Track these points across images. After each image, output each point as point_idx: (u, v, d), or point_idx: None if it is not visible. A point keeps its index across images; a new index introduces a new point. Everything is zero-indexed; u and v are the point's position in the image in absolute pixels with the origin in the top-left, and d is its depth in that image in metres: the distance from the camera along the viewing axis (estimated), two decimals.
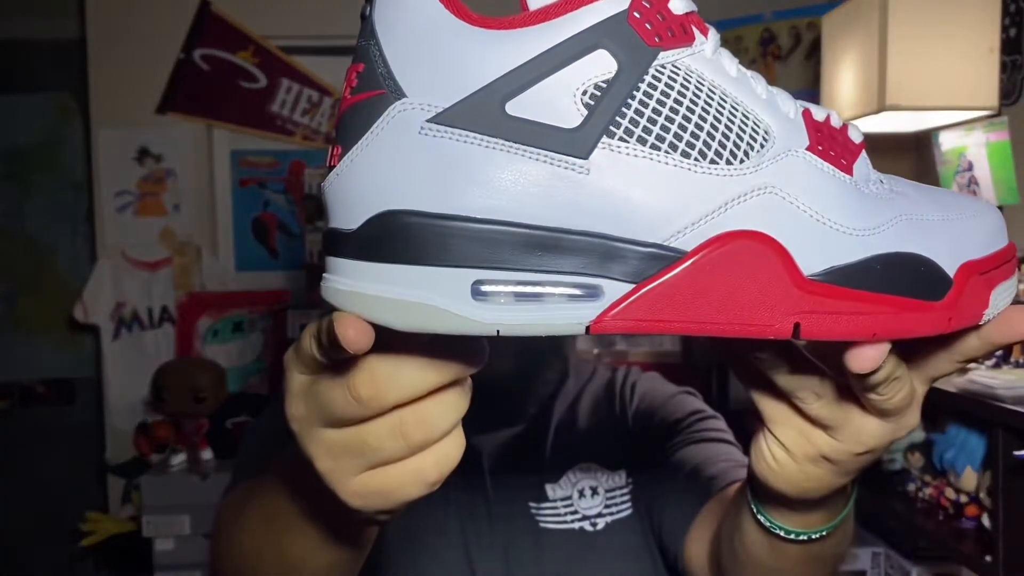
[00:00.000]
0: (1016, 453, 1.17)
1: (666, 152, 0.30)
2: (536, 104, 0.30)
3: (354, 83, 0.31)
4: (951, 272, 0.33)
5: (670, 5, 0.32)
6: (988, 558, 1.23)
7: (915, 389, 0.38)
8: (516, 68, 0.29)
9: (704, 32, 0.33)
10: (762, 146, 0.32)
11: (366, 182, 0.30)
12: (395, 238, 0.30)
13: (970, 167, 1.69)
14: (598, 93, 0.30)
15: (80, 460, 2.86)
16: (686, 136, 0.31)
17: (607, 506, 0.76)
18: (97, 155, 2.63)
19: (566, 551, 0.75)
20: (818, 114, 0.34)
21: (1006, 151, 1.60)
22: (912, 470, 1.50)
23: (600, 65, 0.30)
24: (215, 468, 2.26)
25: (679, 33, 0.32)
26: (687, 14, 0.33)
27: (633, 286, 0.30)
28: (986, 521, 1.29)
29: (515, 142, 0.30)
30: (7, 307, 2.95)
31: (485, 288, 0.30)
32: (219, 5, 2.62)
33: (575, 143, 0.30)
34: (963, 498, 1.36)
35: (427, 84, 0.30)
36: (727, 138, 0.31)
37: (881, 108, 1.59)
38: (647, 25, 0.31)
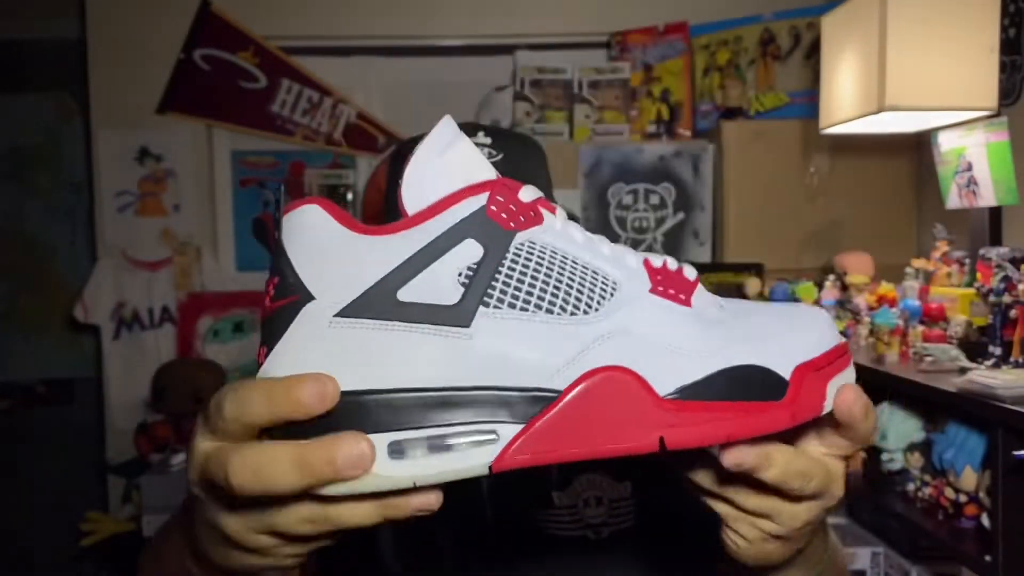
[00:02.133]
0: (1015, 453, 1.17)
1: (532, 311, 0.37)
2: (422, 289, 0.36)
3: (272, 293, 0.38)
4: (787, 375, 0.38)
5: (520, 195, 0.40)
6: (987, 557, 1.23)
7: (828, 467, 0.43)
8: (402, 263, 0.36)
9: (552, 211, 0.40)
10: (612, 295, 0.38)
11: (292, 370, 0.36)
12: (319, 417, 0.35)
13: (969, 167, 1.69)
14: (471, 273, 0.37)
15: (80, 460, 2.86)
16: (547, 296, 0.37)
17: (611, 516, 0.77)
18: (97, 155, 2.63)
19: (569, 558, 0.75)
20: (655, 261, 0.41)
21: (1005, 151, 1.60)
22: (912, 470, 1.50)
23: (470, 251, 0.37)
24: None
25: (529, 216, 0.39)
26: (534, 200, 0.40)
27: (523, 426, 0.36)
28: (985, 521, 1.29)
29: (409, 322, 0.36)
30: (8, 307, 2.95)
31: (402, 446, 0.35)
32: (219, 5, 2.62)
33: (458, 315, 0.36)
34: (962, 498, 1.36)
35: (331, 286, 0.37)
36: (581, 293, 0.38)
37: (880, 108, 1.59)
38: (503, 215, 0.38)
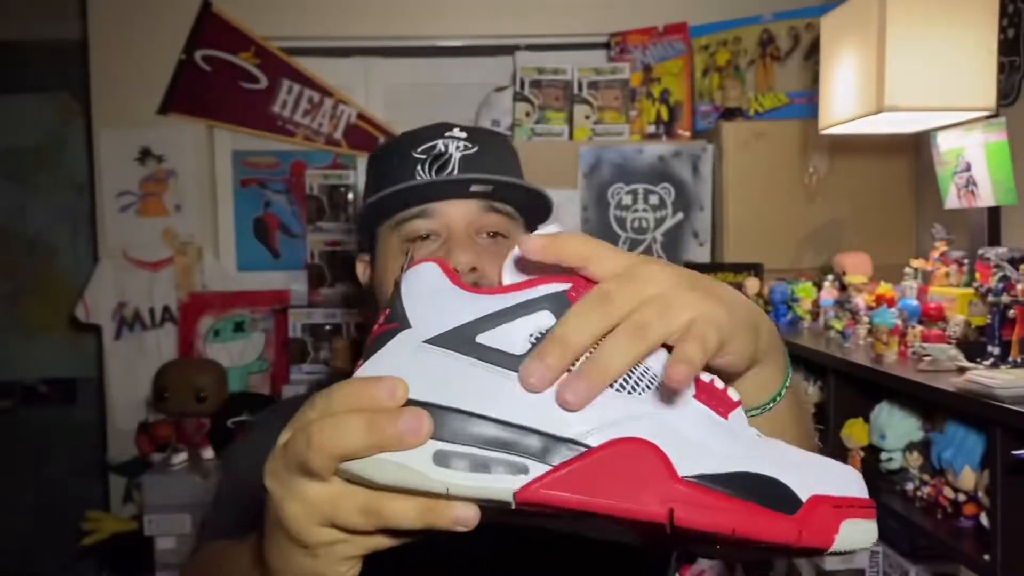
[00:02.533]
0: (1014, 452, 1.17)
1: None
2: (498, 337, 0.43)
3: (381, 321, 0.46)
4: (803, 497, 0.41)
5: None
6: (986, 557, 1.24)
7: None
8: (488, 314, 0.44)
9: None
10: (655, 388, 0.43)
11: (381, 375, 0.43)
12: None
13: (968, 168, 1.70)
14: (540, 335, 0.43)
15: (82, 459, 2.87)
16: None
17: None
18: (99, 155, 2.64)
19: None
20: (704, 377, 0.46)
21: (1004, 152, 1.60)
22: (910, 469, 1.50)
23: (544, 320, 0.44)
24: (216, 467, 2.26)
25: None
26: None
27: (550, 467, 0.40)
28: (984, 520, 1.30)
29: (479, 359, 0.43)
30: (9, 307, 2.96)
31: (450, 457, 0.41)
32: (220, 6, 2.63)
33: (520, 364, 0.42)
34: (961, 497, 1.36)
35: (427, 321, 0.44)
36: (629, 377, 0.43)
37: (880, 109, 1.60)
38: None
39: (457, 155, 0.88)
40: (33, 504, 2.89)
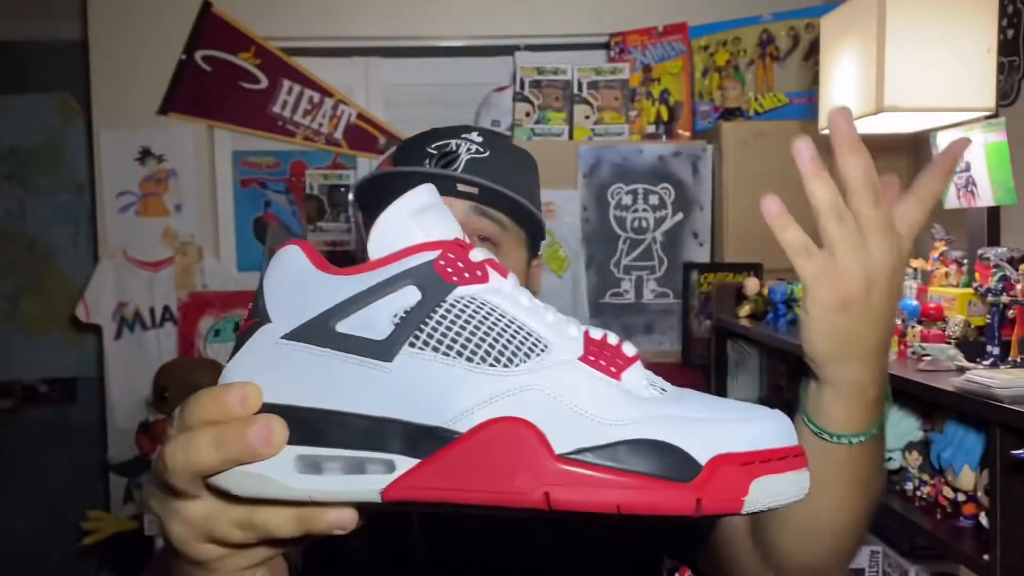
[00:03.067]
0: (1013, 452, 1.18)
1: (453, 357, 0.39)
2: (358, 323, 0.40)
3: (246, 315, 0.43)
4: (701, 460, 0.37)
5: (471, 255, 0.43)
6: (986, 557, 1.24)
7: (883, 220, 0.57)
8: (346, 299, 0.41)
9: (503, 274, 0.43)
10: (538, 355, 0.40)
11: (239, 379, 0.41)
12: None
13: (968, 168, 1.70)
14: (404, 315, 0.40)
15: (82, 459, 2.87)
16: (470, 346, 0.39)
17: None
18: (99, 155, 2.64)
19: (585, 535, 0.82)
20: (595, 334, 0.43)
21: (1003, 152, 1.61)
22: (910, 469, 1.50)
23: (410, 296, 0.41)
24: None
25: (473, 274, 0.42)
26: (485, 260, 0.43)
27: (419, 461, 0.38)
28: (984, 520, 1.30)
29: (339, 350, 0.40)
30: (10, 307, 2.96)
31: (316, 461, 0.39)
32: (220, 6, 2.63)
33: (383, 350, 0.39)
34: (961, 497, 1.37)
35: (286, 313, 0.41)
36: (506, 348, 0.40)
37: (879, 109, 1.60)
38: (448, 269, 0.42)
39: (465, 156, 0.87)
40: (33, 504, 2.89)
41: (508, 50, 2.69)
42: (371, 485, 0.38)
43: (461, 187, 0.84)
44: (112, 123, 2.63)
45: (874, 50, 1.61)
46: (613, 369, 0.40)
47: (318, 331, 0.40)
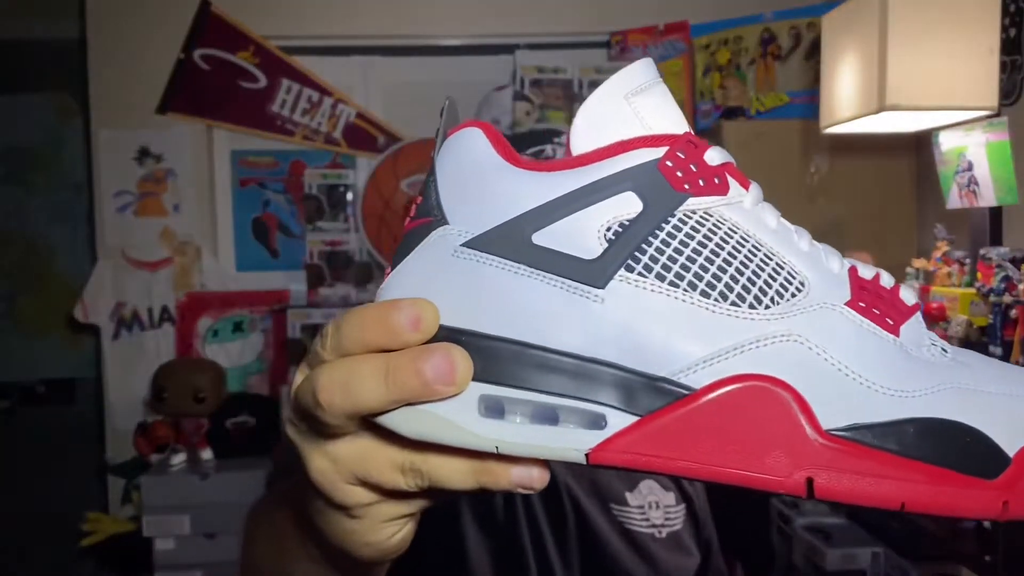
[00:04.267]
0: None
1: (684, 290, 0.31)
2: (561, 236, 0.32)
3: (412, 212, 0.35)
4: (1010, 450, 0.29)
5: (706, 156, 0.33)
6: (987, 558, 1.23)
7: None
8: (546, 203, 0.32)
9: (744, 185, 0.34)
10: (793, 295, 0.31)
11: (409, 292, 0.33)
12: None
13: (970, 167, 1.69)
14: (620, 230, 0.32)
15: (80, 460, 2.86)
16: (707, 276, 0.31)
17: (666, 519, 0.85)
18: (97, 155, 2.63)
19: (641, 551, 0.83)
20: (865, 272, 0.34)
21: (1006, 151, 1.60)
22: None
23: (626, 205, 0.32)
24: (215, 468, 2.26)
25: (710, 183, 0.33)
26: (723, 164, 0.34)
27: (637, 419, 0.30)
28: (985, 521, 1.29)
29: (536, 268, 0.32)
30: (7, 307, 2.95)
31: (503, 405, 0.31)
32: (219, 5, 2.62)
33: (593, 273, 0.31)
34: None
35: (467, 214, 0.33)
36: (752, 283, 0.31)
37: (881, 108, 1.59)
38: (678, 173, 0.32)
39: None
40: (32, 505, 2.88)
41: (508, 49, 2.68)
42: (576, 442, 0.31)
43: None
44: (110, 122, 2.62)
45: (876, 49, 1.60)
46: (890, 320, 0.32)
47: (511, 241, 0.32)
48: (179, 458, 2.29)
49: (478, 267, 0.32)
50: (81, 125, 2.80)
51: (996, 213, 1.72)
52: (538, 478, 0.33)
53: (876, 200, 2.33)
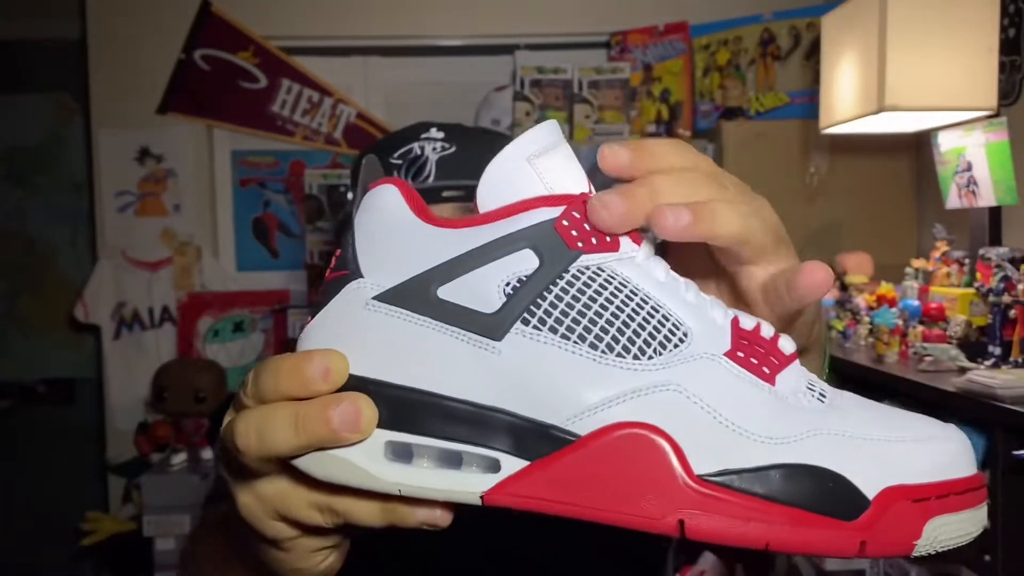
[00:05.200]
0: (1015, 452, 1.17)
1: (574, 342, 0.33)
2: (464, 290, 0.34)
3: (332, 264, 0.38)
4: (870, 493, 0.31)
5: None
6: (987, 558, 1.24)
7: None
8: (451, 259, 0.35)
9: (636, 241, 0.36)
10: (676, 346, 0.33)
11: (323, 342, 0.36)
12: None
13: (969, 167, 1.69)
14: (518, 285, 0.34)
15: (80, 460, 2.86)
16: (595, 329, 0.33)
17: None
18: (98, 155, 2.63)
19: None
20: (746, 322, 0.35)
21: (1005, 151, 1.60)
22: None
23: (524, 262, 0.34)
24: (215, 468, 2.26)
25: (602, 240, 0.35)
26: None
27: (528, 464, 0.33)
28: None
29: (441, 321, 0.34)
30: (8, 307, 2.96)
31: (408, 449, 0.34)
32: (219, 5, 2.62)
33: (492, 326, 0.34)
34: None
35: (380, 268, 0.36)
36: (637, 335, 0.33)
37: (880, 108, 1.59)
38: (573, 232, 0.35)
39: (433, 157, 0.85)
40: (32, 504, 2.88)
41: (508, 49, 2.69)
42: (471, 485, 0.33)
43: (447, 192, 0.82)
44: (110, 123, 2.62)
45: (875, 49, 1.60)
46: (767, 369, 0.34)
47: (417, 295, 0.34)
48: (179, 458, 2.29)
49: (387, 320, 0.35)
50: (81, 125, 2.80)
51: (995, 213, 1.72)
52: (441, 517, 0.35)
53: (876, 200, 2.33)
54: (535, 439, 0.33)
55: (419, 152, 0.85)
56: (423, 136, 0.87)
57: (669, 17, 2.57)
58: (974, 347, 1.47)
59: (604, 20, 2.64)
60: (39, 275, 2.95)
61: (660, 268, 0.36)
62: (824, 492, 0.31)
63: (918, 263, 1.81)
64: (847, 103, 1.75)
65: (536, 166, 0.35)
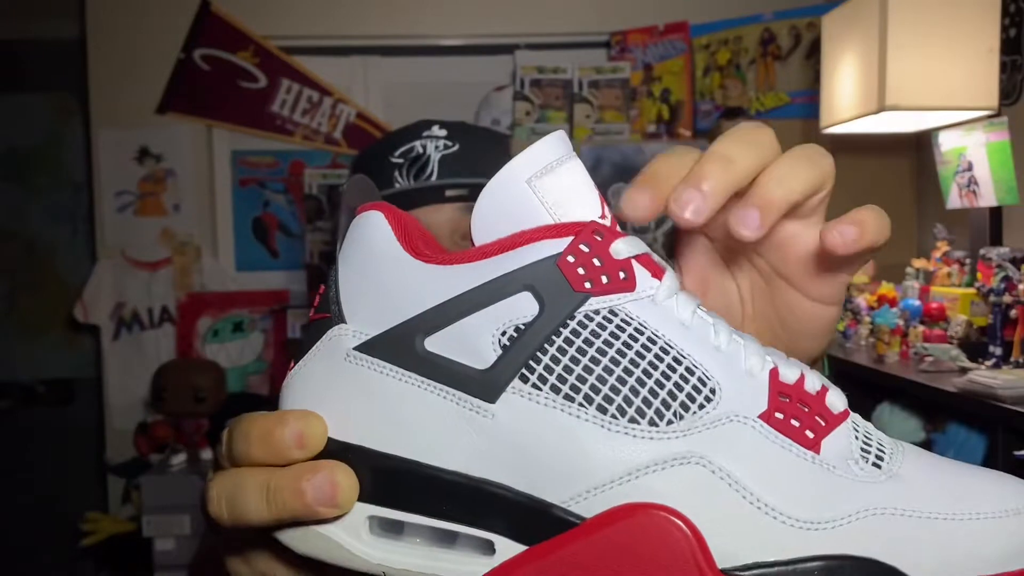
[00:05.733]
0: (1016, 453, 1.17)
1: (580, 404, 0.28)
2: (453, 341, 0.29)
3: (316, 303, 0.33)
4: None
5: (611, 248, 0.30)
6: None
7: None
8: (440, 304, 0.29)
9: (657, 275, 0.30)
10: (701, 406, 0.28)
11: (302, 398, 0.32)
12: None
13: (970, 167, 1.69)
14: (516, 335, 0.29)
15: (80, 460, 2.86)
16: (604, 389, 0.28)
17: None
18: (97, 155, 2.63)
19: None
20: (788, 374, 0.29)
21: (1006, 151, 1.60)
22: None
23: (522, 307, 0.29)
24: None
25: (615, 279, 0.30)
26: (634, 257, 0.30)
27: (525, 548, 0.28)
28: None
29: (427, 378, 0.29)
30: (7, 307, 2.95)
31: (391, 525, 0.30)
32: (219, 5, 2.62)
33: (484, 385, 0.29)
34: None
35: (363, 312, 0.31)
36: (655, 395, 0.28)
37: (881, 108, 1.59)
38: (579, 270, 0.29)
39: (436, 156, 0.83)
40: (31, 505, 2.88)
41: (508, 49, 2.68)
42: (464, 567, 0.29)
43: (450, 192, 0.80)
44: (110, 122, 2.62)
45: (876, 49, 1.60)
46: (811, 434, 0.28)
47: (402, 346, 0.30)
48: (179, 458, 2.29)
49: (369, 374, 0.30)
50: (81, 125, 2.80)
51: (996, 213, 1.72)
52: None
53: (876, 200, 2.27)
54: (533, 520, 0.28)
55: (421, 150, 0.84)
56: (425, 134, 0.86)
57: (669, 17, 2.57)
58: (975, 347, 1.46)
59: (604, 20, 2.64)
60: (38, 275, 2.94)
61: (686, 307, 0.30)
62: None
63: (919, 263, 1.80)
64: (847, 103, 1.75)
65: (538, 189, 0.30)
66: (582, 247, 0.29)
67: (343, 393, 0.31)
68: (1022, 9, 1.77)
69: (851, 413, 0.30)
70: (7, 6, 2.82)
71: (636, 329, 0.29)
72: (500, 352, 0.29)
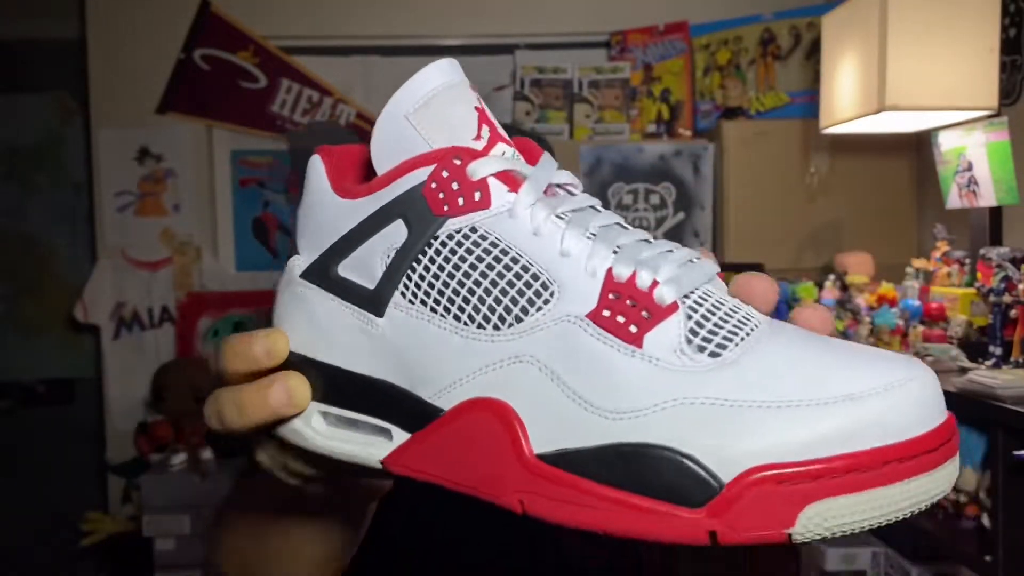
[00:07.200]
0: (1015, 453, 1.17)
1: (440, 315, 0.33)
2: (356, 265, 0.35)
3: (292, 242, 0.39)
4: (726, 477, 0.27)
5: (468, 170, 0.33)
6: (988, 558, 1.23)
7: None
8: (346, 233, 0.35)
9: (514, 188, 0.33)
10: (539, 308, 0.31)
11: (276, 318, 0.39)
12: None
13: (970, 167, 1.69)
14: (392, 256, 0.34)
15: (80, 460, 2.86)
16: (458, 300, 0.32)
17: None
18: (97, 155, 2.63)
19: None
20: (622, 272, 0.31)
21: (1006, 151, 1.60)
22: None
23: (398, 233, 0.33)
24: (215, 468, 2.26)
25: (470, 199, 0.33)
26: (493, 174, 0.33)
27: (409, 436, 0.34)
28: (986, 521, 1.29)
29: (340, 298, 0.35)
30: (8, 307, 2.95)
31: (333, 419, 0.36)
32: (219, 5, 2.62)
33: (374, 302, 0.34)
34: (963, 498, 1.36)
35: (306, 244, 0.37)
36: (498, 303, 0.31)
37: (881, 108, 1.59)
38: (440, 195, 0.33)
39: None
40: (31, 505, 2.88)
41: (508, 49, 2.68)
42: (373, 451, 0.35)
43: None
44: (110, 122, 2.62)
45: (876, 49, 1.60)
46: (634, 329, 0.29)
47: (324, 272, 0.36)
48: (179, 458, 2.29)
49: (308, 296, 0.36)
50: (81, 125, 2.80)
51: (996, 213, 1.72)
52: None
53: (876, 200, 2.33)
54: (412, 413, 0.33)
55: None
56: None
57: (669, 17, 2.57)
58: (975, 347, 1.46)
59: (604, 20, 2.64)
60: (39, 275, 2.94)
61: (541, 214, 0.32)
62: (665, 475, 0.27)
63: (919, 263, 1.80)
64: (847, 103, 1.75)
65: (416, 122, 0.34)
66: (443, 173, 0.33)
67: (295, 314, 0.37)
68: (1022, 9, 1.77)
69: (680, 307, 0.30)
70: (7, 6, 2.82)
71: (491, 243, 0.32)
72: (383, 273, 0.34)
